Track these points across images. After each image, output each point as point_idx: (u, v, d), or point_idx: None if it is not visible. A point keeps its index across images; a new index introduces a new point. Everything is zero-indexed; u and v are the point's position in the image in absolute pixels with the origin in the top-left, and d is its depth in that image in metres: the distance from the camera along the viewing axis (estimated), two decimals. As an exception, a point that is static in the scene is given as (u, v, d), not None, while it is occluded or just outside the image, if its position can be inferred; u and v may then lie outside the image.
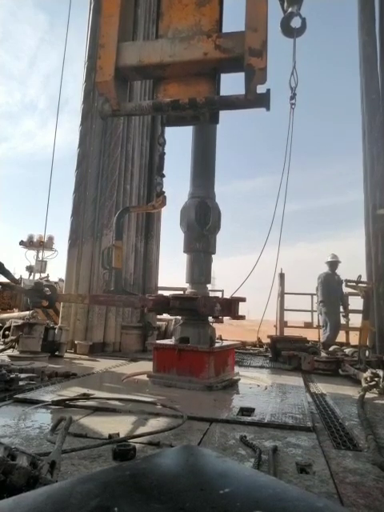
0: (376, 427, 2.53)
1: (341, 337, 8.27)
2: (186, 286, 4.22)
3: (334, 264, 8.25)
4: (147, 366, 4.39)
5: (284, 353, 5.61)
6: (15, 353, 4.96)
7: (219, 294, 7.73)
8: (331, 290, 8.02)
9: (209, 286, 4.23)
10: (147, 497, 0.59)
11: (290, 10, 4.44)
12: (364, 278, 6.40)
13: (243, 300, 4.05)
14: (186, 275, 4.12)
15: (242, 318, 4.11)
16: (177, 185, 4.61)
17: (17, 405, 2.69)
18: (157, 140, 4.03)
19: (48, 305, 4.29)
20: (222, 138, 4.66)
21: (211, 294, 4.41)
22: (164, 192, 4.45)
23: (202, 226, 3.92)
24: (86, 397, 2.90)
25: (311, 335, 7.76)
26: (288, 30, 4.52)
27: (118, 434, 2.01)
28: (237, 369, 4.52)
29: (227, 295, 6.66)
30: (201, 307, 3.73)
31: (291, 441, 2.17)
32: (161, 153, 3.93)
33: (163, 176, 4.18)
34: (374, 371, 3.90)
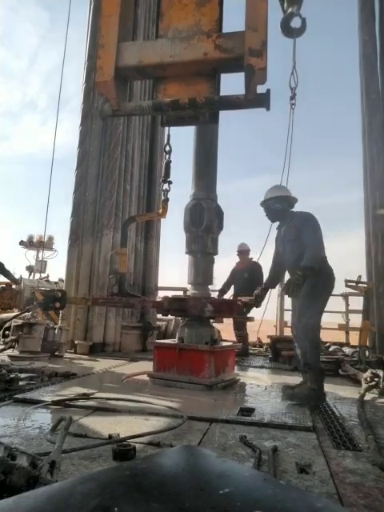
0: (376, 427, 2.53)
1: (341, 337, 8.25)
2: (189, 287, 4.24)
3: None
4: (147, 365, 4.39)
5: (284, 353, 5.61)
6: (15, 353, 4.96)
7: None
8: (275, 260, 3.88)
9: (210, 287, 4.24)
10: (147, 497, 0.59)
11: (289, 10, 4.44)
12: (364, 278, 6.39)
13: (252, 301, 4.03)
14: (187, 276, 4.13)
15: (251, 319, 4.11)
16: (181, 186, 4.61)
17: (17, 405, 2.69)
18: (163, 148, 4.03)
19: (60, 306, 4.32)
20: (223, 137, 4.66)
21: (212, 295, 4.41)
22: (168, 199, 4.46)
23: (197, 228, 3.93)
24: (85, 397, 2.89)
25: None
26: (288, 31, 4.52)
27: (118, 434, 2.01)
28: (237, 369, 4.52)
29: (227, 295, 6.72)
30: (190, 308, 3.74)
31: (291, 441, 2.17)
32: (167, 161, 3.93)
33: (170, 183, 4.18)
34: (374, 371, 3.90)
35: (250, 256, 7.01)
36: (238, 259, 7.06)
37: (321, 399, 3.09)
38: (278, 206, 3.66)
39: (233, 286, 6.89)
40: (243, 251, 6.99)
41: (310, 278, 3.22)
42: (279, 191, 3.72)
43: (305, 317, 3.22)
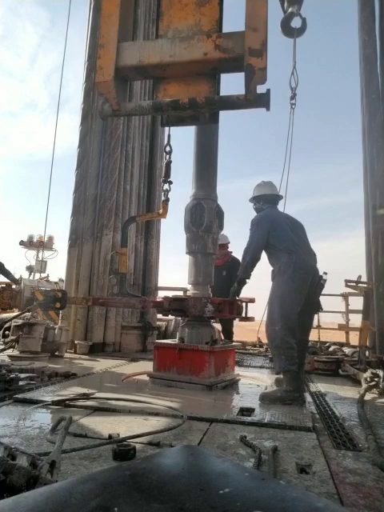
0: (376, 427, 2.53)
1: (341, 337, 8.24)
2: (189, 287, 4.24)
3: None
4: (147, 365, 4.39)
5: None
6: (15, 353, 4.96)
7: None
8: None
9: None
10: (147, 497, 0.59)
11: (290, 10, 4.44)
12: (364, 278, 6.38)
13: (252, 301, 4.05)
14: (187, 276, 4.13)
15: (251, 319, 4.11)
16: (181, 186, 4.60)
17: (17, 405, 2.70)
18: (163, 149, 4.02)
19: (61, 306, 4.32)
20: (224, 136, 4.66)
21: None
22: (168, 199, 4.47)
23: (198, 228, 3.93)
24: (85, 397, 2.90)
25: (311, 335, 7.73)
26: (288, 30, 4.53)
27: (118, 434, 2.01)
28: (237, 369, 4.52)
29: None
30: (190, 308, 3.75)
31: (291, 441, 2.17)
32: (167, 161, 3.94)
33: (170, 183, 4.20)
34: (374, 371, 3.90)
35: (229, 249, 6.49)
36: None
37: (297, 400, 3.06)
38: (257, 205, 3.82)
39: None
40: (222, 245, 6.24)
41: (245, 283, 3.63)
42: (256, 190, 3.84)
43: (271, 324, 3.32)
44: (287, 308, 3.25)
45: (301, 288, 3.31)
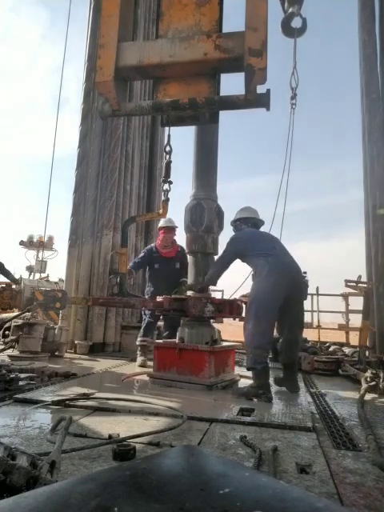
0: (376, 427, 2.53)
1: (341, 337, 8.25)
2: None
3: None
4: (147, 365, 4.39)
5: (284, 353, 5.59)
6: (15, 353, 4.96)
7: (219, 295, 7.71)
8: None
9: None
10: (147, 497, 0.59)
11: (290, 10, 4.45)
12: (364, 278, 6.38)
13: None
14: (188, 276, 4.14)
15: None
16: (181, 186, 4.60)
17: (17, 405, 2.69)
18: (163, 149, 4.03)
19: (61, 306, 4.33)
20: (224, 136, 4.64)
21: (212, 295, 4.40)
22: (168, 199, 4.47)
23: (198, 228, 3.93)
24: (86, 397, 2.89)
25: (311, 335, 7.75)
26: (288, 30, 4.53)
27: (118, 434, 2.01)
28: (237, 369, 4.52)
29: (227, 295, 6.70)
30: (190, 308, 3.75)
31: (291, 441, 2.17)
32: (167, 161, 3.95)
33: (170, 183, 4.20)
34: (374, 371, 3.90)
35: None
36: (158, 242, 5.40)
37: (260, 396, 3.17)
38: (238, 226, 4.01)
39: (153, 277, 5.43)
40: (172, 228, 5.31)
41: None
42: (238, 214, 4.06)
43: (245, 321, 3.50)
44: (261, 307, 3.38)
45: (276, 287, 3.41)
